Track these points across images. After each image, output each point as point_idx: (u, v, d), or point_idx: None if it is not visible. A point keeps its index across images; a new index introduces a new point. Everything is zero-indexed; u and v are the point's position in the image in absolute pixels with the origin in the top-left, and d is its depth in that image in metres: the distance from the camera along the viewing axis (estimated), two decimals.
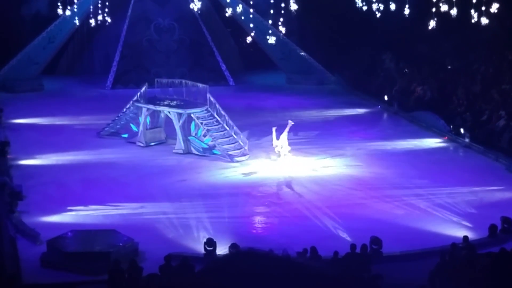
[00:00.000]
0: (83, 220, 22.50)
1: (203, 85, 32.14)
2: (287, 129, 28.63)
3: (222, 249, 19.47)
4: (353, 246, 19.08)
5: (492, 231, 21.38)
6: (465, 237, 19.99)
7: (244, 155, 29.78)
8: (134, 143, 31.42)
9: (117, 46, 45.02)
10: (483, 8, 28.45)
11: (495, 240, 21.04)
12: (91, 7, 42.28)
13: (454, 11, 29.81)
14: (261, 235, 21.58)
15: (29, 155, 29.30)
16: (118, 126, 32.85)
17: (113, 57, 44.87)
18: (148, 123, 31.84)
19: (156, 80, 33.82)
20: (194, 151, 30.29)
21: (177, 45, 46.14)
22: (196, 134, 31.05)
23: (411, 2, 34.37)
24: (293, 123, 29.18)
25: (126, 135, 32.43)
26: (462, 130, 32.70)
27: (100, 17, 41.49)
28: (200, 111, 30.71)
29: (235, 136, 30.51)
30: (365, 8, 37.27)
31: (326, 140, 32.55)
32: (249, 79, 46.32)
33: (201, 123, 30.44)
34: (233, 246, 18.45)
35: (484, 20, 28.69)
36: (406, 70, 41.30)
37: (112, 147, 31.02)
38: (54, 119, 35.80)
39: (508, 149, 29.78)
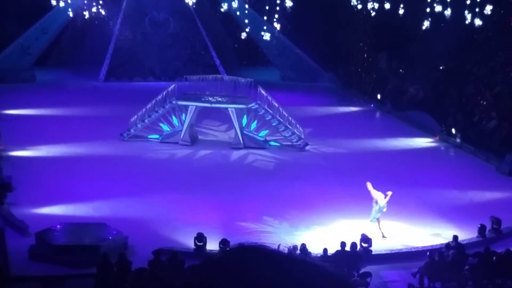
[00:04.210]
0: (73, 212, 22.41)
1: (246, 79, 31.93)
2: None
3: (212, 245, 19.45)
4: (343, 243, 19.10)
5: (481, 231, 21.45)
6: (455, 237, 20.03)
7: (306, 144, 30.42)
8: (176, 143, 30.52)
9: (111, 39, 44.91)
10: (477, 10, 28.51)
11: (484, 240, 21.11)
12: None
13: (448, 12, 29.88)
14: (250, 232, 21.52)
15: (20, 146, 29.18)
16: (142, 128, 31.35)
17: (107, 50, 44.74)
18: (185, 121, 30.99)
19: (184, 76, 33.24)
20: (252, 145, 30.47)
21: (172, 39, 46.06)
22: (249, 129, 31.03)
23: (406, 2, 34.43)
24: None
25: (156, 136, 31.25)
26: (453, 130, 32.79)
27: (94, 9, 41.38)
28: (254, 105, 30.75)
29: (290, 127, 30.77)
30: (359, 6, 37.31)
31: (318, 137, 32.57)
32: (243, 75, 46.25)
33: (260, 117, 30.68)
34: (223, 242, 18.42)
35: (478, 21, 28.75)
36: (401, 70, 41.34)
37: (103, 140, 30.88)
38: (46, 110, 35.68)
39: (499, 150, 29.87)
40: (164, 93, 31.33)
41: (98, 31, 45.96)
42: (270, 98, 31.04)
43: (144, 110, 31.43)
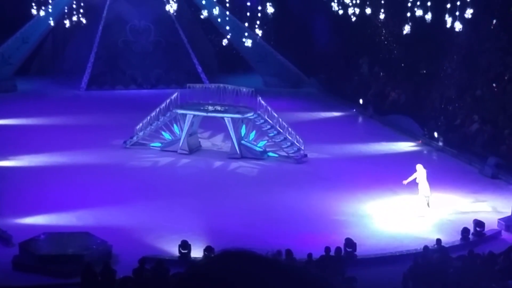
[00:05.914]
0: (56, 222, 22.27)
1: (247, 88, 31.61)
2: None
3: (196, 252, 19.41)
4: (327, 248, 19.12)
5: (464, 234, 21.56)
6: (438, 240, 20.13)
7: (304, 156, 29.91)
8: (175, 151, 30.29)
9: (92, 47, 44.74)
10: (457, 13, 28.68)
11: (468, 243, 21.22)
12: (66, 7, 42.04)
13: (428, 16, 30.05)
14: (235, 238, 21.50)
15: (2, 156, 28.99)
16: (145, 135, 31.28)
17: (88, 59, 44.56)
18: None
19: (188, 85, 33.02)
20: (249, 155, 30.08)
21: (153, 47, 45.97)
22: (247, 139, 30.74)
23: (386, 6, 34.60)
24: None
25: (158, 144, 31.07)
26: (436, 134, 32.96)
27: (75, 18, 41.26)
28: (252, 115, 30.40)
29: (290, 137, 30.43)
30: (341, 12, 37.43)
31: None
32: (225, 81, 46.27)
33: (259, 127, 30.35)
34: (208, 249, 18.40)
35: (458, 25, 28.93)
36: (381, 73, 41.53)
37: (86, 148, 30.70)
38: (28, 120, 35.48)
39: (481, 153, 30.06)
40: (167, 101, 31.15)
41: (79, 40, 45.79)
42: (269, 108, 30.80)
43: (148, 118, 31.26)
